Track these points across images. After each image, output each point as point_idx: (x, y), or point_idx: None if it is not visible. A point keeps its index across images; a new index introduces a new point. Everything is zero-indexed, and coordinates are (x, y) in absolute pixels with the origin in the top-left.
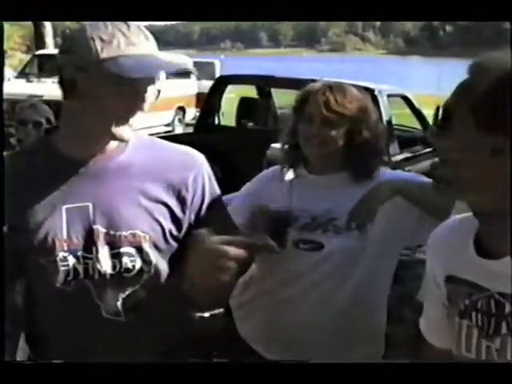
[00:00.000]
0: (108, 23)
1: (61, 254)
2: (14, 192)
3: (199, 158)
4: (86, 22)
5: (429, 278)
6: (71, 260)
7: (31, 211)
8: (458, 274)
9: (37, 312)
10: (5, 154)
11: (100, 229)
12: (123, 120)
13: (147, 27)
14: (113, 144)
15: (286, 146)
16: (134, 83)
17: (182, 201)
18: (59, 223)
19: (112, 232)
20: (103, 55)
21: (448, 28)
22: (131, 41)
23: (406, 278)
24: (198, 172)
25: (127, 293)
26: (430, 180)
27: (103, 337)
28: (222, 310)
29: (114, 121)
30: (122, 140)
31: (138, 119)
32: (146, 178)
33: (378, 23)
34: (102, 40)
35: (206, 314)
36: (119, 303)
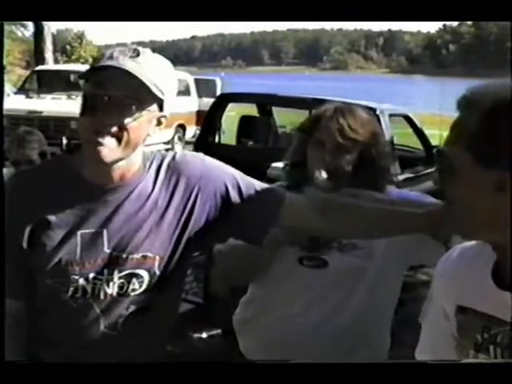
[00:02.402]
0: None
1: (72, 277)
2: (29, 211)
3: (215, 170)
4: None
5: (436, 307)
6: (81, 281)
7: (47, 233)
8: (473, 305)
9: (38, 326)
10: (8, 170)
11: (113, 253)
12: (95, 137)
13: (148, 44)
14: (132, 168)
15: (288, 166)
16: (96, 98)
17: (197, 214)
18: (73, 248)
19: (124, 255)
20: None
21: (451, 47)
22: (112, 56)
23: (408, 299)
24: (216, 183)
25: (130, 310)
26: (434, 200)
27: (99, 350)
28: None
29: (89, 139)
30: (101, 162)
31: (123, 139)
32: (162, 200)
33: (380, 41)
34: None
35: (204, 335)
36: (121, 320)
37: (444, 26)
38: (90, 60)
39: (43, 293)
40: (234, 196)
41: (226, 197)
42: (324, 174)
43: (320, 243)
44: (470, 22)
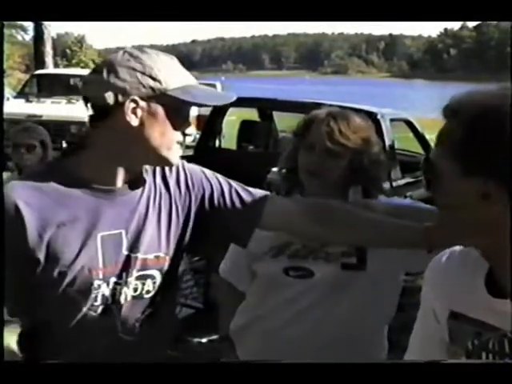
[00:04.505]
0: (153, 54)
1: (96, 283)
2: (37, 220)
3: (198, 174)
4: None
5: (425, 310)
6: (103, 287)
7: (64, 242)
8: (465, 311)
9: (49, 338)
10: (6, 176)
11: (131, 254)
12: (175, 144)
13: (149, 47)
14: (137, 171)
15: (284, 170)
16: (187, 111)
17: (204, 212)
18: (95, 252)
19: (140, 256)
20: (173, 85)
21: (452, 51)
22: (185, 72)
23: (407, 305)
24: (201, 186)
25: (146, 313)
26: (428, 206)
27: (115, 356)
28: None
29: (169, 145)
30: (171, 164)
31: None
32: (166, 201)
33: (381, 46)
34: (167, 70)
35: (204, 340)
36: (138, 324)
37: (445, 30)
38: (91, 64)
39: (60, 306)
40: (218, 197)
41: (210, 198)
42: (318, 178)
43: (306, 252)
44: (471, 27)
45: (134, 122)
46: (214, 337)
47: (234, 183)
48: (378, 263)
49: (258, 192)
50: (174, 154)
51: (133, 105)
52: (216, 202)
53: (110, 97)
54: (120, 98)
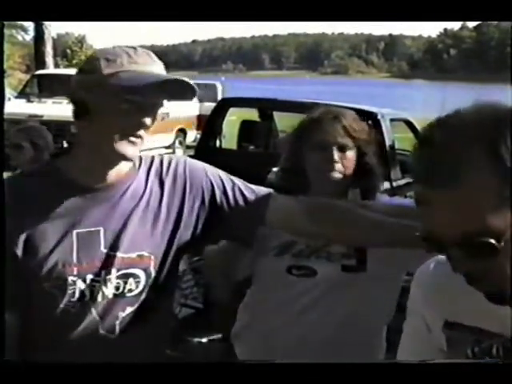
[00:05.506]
0: (117, 47)
1: (70, 279)
2: (20, 217)
3: (200, 171)
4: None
5: (416, 318)
6: (79, 283)
7: (42, 237)
8: (461, 320)
9: (34, 334)
10: (6, 175)
11: (110, 252)
12: (126, 137)
13: (149, 48)
14: (124, 169)
15: (284, 171)
16: (135, 99)
17: (186, 214)
18: (69, 248)
19: (120, 254)
20: (106, 72)
21: (452, 51)
22: (134, 60)
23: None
24: (201, 183)
25: (127, 312)
26: None
27: (97, 353)
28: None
29: (118, 137)
30: (125, 158)
31: (144, 138)
32: (154, 200)
33: (381, 46)
34: (107, 59)
35: (204, 340)
36: (118, 322)
37: (445, 30)
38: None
39: (39, 301)
40: (220, 196)
41: (211, 197)
42: (336, 174)
43: (309, 252)
44: (471, 27)
45: (85, 116)
46: (214, 337)
47: (237, 181)
48: (378, 264)
49: (262, 190)
50: (126, 147)
51: (79, 98)
52: (218, 200)
53: (65, 91)
54: (72, 92)
